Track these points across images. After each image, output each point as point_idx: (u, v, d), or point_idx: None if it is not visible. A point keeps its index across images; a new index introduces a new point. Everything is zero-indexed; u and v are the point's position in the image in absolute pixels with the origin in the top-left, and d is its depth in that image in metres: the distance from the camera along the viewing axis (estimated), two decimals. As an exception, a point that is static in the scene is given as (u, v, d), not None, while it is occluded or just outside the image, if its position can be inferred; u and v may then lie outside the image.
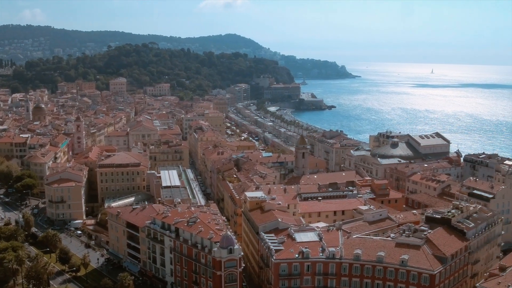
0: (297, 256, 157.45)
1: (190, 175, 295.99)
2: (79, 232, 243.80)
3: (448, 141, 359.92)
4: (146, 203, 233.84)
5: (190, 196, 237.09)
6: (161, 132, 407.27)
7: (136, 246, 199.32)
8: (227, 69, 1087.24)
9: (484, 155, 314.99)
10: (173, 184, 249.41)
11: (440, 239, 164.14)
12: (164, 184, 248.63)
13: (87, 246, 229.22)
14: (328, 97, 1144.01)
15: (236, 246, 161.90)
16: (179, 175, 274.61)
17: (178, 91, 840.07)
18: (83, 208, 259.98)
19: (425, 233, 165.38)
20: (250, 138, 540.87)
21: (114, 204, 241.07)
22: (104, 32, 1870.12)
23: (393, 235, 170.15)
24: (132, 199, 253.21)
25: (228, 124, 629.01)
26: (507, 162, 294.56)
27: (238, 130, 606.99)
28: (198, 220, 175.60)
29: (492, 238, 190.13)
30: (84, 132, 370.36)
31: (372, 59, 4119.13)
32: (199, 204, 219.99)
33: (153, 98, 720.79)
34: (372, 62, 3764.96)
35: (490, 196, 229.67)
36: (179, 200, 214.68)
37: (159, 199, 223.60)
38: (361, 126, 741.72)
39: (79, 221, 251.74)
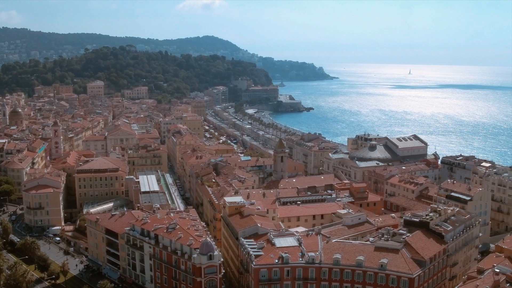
0: (276, 261, 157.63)
1: (169, 179, 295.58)
2: (57, 238, 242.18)
3: (425, 143, 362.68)
4: (125, 208, 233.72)
5: (169, 201, 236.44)
6: (139, 136, 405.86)
7: (115, 252, 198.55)
8: (205, 72, 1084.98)
9: (461, 157, 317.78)
10: (152, 189, 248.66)
11: (419, 243, 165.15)
12: (143, 190, 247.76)
13: (66, 252, 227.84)
14: (306, 99, 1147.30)
15: (216, 252, 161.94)
16: (158, 180, 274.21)
17: (156, 94, 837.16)
18: (62, 214, 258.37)
19: (404, 236, 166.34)
20: (229, 141, 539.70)
21: (92, 210, 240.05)
22: (81, 34, 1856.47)
23: (372, 239, 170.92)
24: (111, 204, 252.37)
25: (207, 127, 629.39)
26: (484, 164, 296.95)
27: (216, 133, 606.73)
28: (178, 226, 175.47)
29: (470, 241, 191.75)
30: (61, 137, 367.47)
31: (349, 60, 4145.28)
32: (178, 209, 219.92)
33: (131, 101, 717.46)
34: (349, 63, 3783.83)
35: (468, 198, 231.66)
36: (158, 206, 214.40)
37: (138, 205, 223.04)
38: (339, 128, 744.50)
39: (57, 227, 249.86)
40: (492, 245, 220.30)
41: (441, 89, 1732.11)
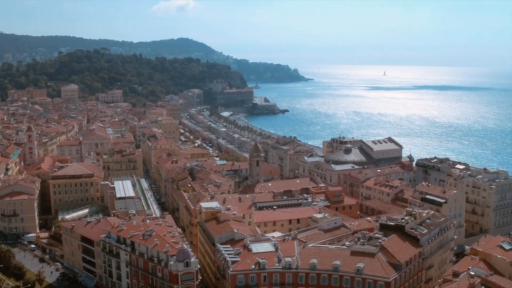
0: (253, 267, 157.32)
1: (145, 184, 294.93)
2: (33, 246, 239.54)
3: (400, 146, 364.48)
4: (101, 214, 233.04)
5: (145, 207, 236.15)
6: (114, 141, 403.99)
7: (91, 260, 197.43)
8: (179, 74, 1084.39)
9: (436, 160, 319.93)
10: (127, 195, 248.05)
11: (395, 246, 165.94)
12: (118, 195, 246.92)
13: (42, 260, 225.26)
14: (281, 101, 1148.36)
15: (193, 259, 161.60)
16: (133, 185, 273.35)
17: (131, 97, 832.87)
18: (37, 221, 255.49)
19: (380, 240, 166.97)
20: (204, 145, 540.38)
21: (68, 217, 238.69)
22: (55, 37, 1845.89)
23: (348, 243, 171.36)
24: (86, 210, 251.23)
25: (182, 131, 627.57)
26: (458, 166, 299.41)
27: (191, 137, 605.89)
28: (154, 233, 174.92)
29: (445, 243, 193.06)
30: (35, 142, 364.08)
31: (324, 61, 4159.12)
32: (154, 215, 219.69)
33: (106, 105, 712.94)
34: (323, 64, 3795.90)
35: (443, 201, 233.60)
36: (134, 212, 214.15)
37: (114, 211, 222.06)
38: (314, 131, 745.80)
39: (32, 234, 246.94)
40: (467, 247, 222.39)
41: (417, 90, 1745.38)
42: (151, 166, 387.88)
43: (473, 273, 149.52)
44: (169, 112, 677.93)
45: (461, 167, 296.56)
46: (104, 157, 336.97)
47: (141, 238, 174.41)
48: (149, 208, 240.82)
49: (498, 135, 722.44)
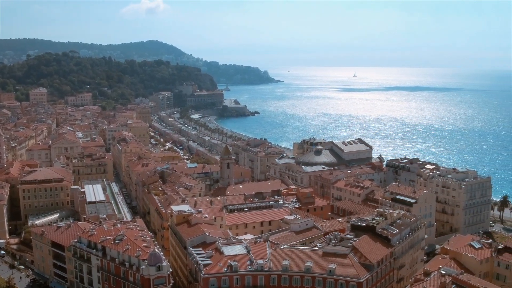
0: (225, 270, 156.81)
1: (115, 188, 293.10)
2: (2, 252, 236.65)
3: (370, 147, 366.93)
4: (71, 219, 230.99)
5: (116, 211, 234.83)
6: (84, 145, 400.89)
7: (62, 265, 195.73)
8: (149, 77, 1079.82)
9: (405, 160, 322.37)
10: (98, 199, 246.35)
11: (366, 247, 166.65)
12: (88, 200, 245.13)
13: (12, 266, 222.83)
14: (253, 103, 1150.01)
15: (165, 263, 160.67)
16: (104, 189, 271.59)
17: (100, 100, 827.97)
18: (6, 227, 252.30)
19: (351, 241, 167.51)
20: (175, 148, 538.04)
21: (38, 222, 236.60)
22: (23, 40, 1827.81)
23: (320, 244, 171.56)
24: (56, 215, 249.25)
25: (152, 134, 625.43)
26: (428, 166, 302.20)
27: (162, 140, 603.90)
28: (125, 237, 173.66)
29: (416, 243, 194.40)
30: (4, 147, 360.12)
31: (294, 63, 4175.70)
32: (125, 219, 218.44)
33: (75, 108, 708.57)
34: (293, 66, 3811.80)
35: (413, 201, 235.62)
36: (105, 216, 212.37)
37: (84, 215, 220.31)
38: (285, 133, 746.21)
39: (2, 240, 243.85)
40: (437, 246, 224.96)
41: (388, 91, 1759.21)
42: (121, 170, 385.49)
43: (444, 272, 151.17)
44: (139, 115, 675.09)
45: (431, 167, 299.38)
46: (74, 161, 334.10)
47: (112, 242, 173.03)
48: (120, 212, 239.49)
49: (467, 136, 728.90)
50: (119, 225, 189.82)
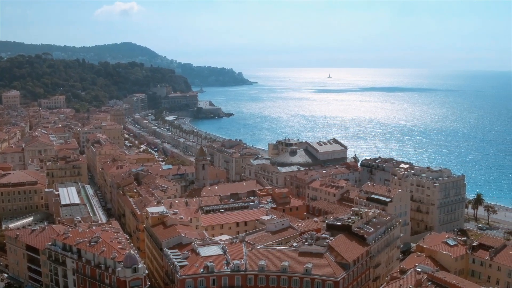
0: (202, 270, 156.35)
1: (90, 191, 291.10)
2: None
3: (345, 147, 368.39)
4: (45, 222, 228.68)
5: (91, 214, 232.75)
6: (58, 147, 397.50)
7: (37, 269, 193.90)
8: (123, 79, 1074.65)
9: (380, 160, 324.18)
10: (72, 202, 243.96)
11: (342, 246, 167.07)
12: (63, 202, 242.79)
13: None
14: (227, 104, 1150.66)
15: (140, 265, 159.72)
16: (78, 192, 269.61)
17: (74, 103, 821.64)
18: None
19: (327, 240, 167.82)
20: (149, 150, 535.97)
21: (12, 225, 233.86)
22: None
23: (296, 244, 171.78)
24: (31, 219, 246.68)
25: (126, 136, 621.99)
26: (402, 165, 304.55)
27: (136, 142, 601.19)
28: (100, 239, 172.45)
29: (392, 241, 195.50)
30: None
31: (268, 64, 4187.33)
32: (100, 221, 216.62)
33: (48, 111, 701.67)
34: (267, 67, 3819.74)
35: (388, 200, 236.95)
36: (80, 219, 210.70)
37: (59, 218, 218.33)
38: (260, 134, 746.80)
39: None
40: (413, 245, 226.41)
41: (363, 92, 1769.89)
42: (96, 172, 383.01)
43: (419, 270, 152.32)
44: (113, 117, 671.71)
45: (405, 166, 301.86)
46: (48, 164, 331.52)
47: (87, 245, 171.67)
48: (94, 214, 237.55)
49: (440, 135, 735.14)
50: (94, 228, 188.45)
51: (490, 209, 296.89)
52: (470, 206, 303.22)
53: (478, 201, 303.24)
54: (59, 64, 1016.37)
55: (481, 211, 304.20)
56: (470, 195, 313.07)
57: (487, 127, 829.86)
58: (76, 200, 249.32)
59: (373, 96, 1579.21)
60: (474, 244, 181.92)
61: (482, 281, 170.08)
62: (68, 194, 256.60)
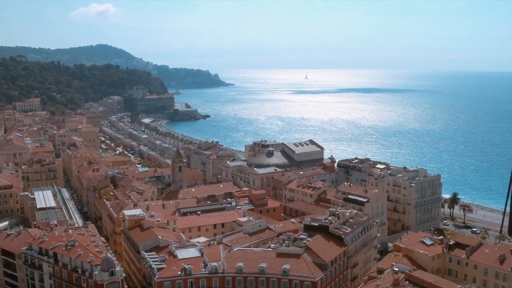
0: (179, 273, 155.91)
1: (66, 194, 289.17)
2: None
3: (321, 148, 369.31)
4: (21, 226, 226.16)
5: (67, 217, 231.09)
6: (33, 150, 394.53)
7: (13, 273, 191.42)
8: (99, 81, 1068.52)
9: (356, 160, 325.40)
10: (48, 206, 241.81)
11: (319, 247, 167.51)
12: (39, 206, 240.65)
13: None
14: (204, 106, 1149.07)
15: (118, 268, 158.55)
16: (54, 195, 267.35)
17: (49, 105, 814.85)
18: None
19: (305, 241, 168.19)
20: (126, 152, 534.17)
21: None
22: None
23: (274, 245, 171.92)
24: (6, 223, 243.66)
25: (102, 138, 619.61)
26: (378, 166, 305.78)
27: (112, 144, 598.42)
28: (77, 243, 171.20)
29: (369, 241, 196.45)
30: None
31: (244, 66, 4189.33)
32: (76, 225, 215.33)
33: (23, 114, 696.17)
34: (244, 69, 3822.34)
35: (365, 200, 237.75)
36: (56, 222, 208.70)
37: (35, 222, 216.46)
38: (237, 136, 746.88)
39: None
40: (390, 244, 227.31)
41: (341, 93, 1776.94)
42: (72, 175, 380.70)
43: (397, 269, 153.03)
44: (89, 120, 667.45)
45: (382, 166, 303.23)
46: (23, 167, 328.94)
47: (64, 249, 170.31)
48: (71, 218, 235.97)
49: (416, 135, 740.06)
50: (70, 231, 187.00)
51: (466, 208, 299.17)
52: (446, 205, 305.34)
53: (454, 200, 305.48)
54: (34, 66, 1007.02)
55: (457, 210, 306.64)
56: (446, 195, 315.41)
57: (462, 127, 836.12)
58: (52, 203, 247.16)
59: (350, 97, 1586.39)
60: (450, 243, 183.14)
61: (459, 279, 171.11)
62: (44, 198, 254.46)
